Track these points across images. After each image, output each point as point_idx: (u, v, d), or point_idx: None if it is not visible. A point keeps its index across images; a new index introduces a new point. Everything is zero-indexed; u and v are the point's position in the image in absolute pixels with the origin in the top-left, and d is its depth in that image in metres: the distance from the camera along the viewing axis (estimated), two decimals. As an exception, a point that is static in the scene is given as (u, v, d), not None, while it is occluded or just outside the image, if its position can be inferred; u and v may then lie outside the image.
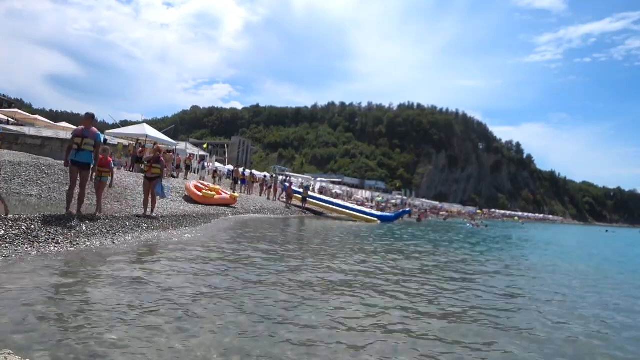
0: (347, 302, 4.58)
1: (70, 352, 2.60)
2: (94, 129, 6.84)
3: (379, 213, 27.56)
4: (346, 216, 23.27)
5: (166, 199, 11.95)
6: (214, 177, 23.18)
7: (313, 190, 33.12)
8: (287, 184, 24.48)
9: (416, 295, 5.30)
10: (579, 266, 10.66)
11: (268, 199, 23.35)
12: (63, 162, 6.81)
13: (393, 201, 54.52)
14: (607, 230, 60.64)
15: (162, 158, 9.37)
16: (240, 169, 26.70)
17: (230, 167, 34.47)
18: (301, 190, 24.58)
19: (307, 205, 23.34)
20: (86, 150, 6.68)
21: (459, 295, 5.50)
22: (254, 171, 34.55)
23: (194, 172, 25.01)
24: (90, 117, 6.86)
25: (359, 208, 27.01)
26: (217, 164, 37.25)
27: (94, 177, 7.20)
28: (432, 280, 6.42)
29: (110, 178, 7.85)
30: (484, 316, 4.57)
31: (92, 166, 6.80)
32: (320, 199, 25.48)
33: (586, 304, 5.81)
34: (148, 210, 9.09)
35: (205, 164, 25.56)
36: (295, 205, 23.11)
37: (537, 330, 4.22)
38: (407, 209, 41.74)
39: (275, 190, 25.16)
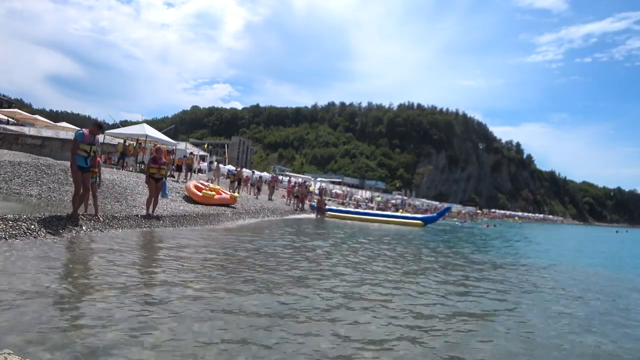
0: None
1: (70, 352, 2.60)
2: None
3: (421, 215, 27.65)
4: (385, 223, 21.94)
5: (166, 198, 11.96)
6: (216, 177, 22.37)
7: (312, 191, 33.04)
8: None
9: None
10: None
11: (270, 199, 22.85)
12: (70, 164, 6.73)
13: (393, 201, 54.54)
14: (617, 231, 60.01)
15: (163, 158, 9.39)
16: (245, 170, 26.43)
17: (231, 167, 34.40)
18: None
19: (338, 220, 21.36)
20: (93, 157, 6.82)
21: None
22: (252, 172, 34.53)
23: (198, 173, 24.71)
24: (99, 127, 6.99)
25: (399, 214, 26.98)
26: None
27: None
28: None
29: (98, 178, 7.92)
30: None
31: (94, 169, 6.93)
32: (356, 212, 24.90)
33: None
34: (150, 209, 9.12)
35: (212, 165, 24.72)
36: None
37: None
38: (448, 206, 41.52)
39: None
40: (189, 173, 20.47)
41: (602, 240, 29.58)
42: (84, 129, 6.80)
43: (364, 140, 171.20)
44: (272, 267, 6.05)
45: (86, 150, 6.59)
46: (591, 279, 8.50)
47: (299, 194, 23.32)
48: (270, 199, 22.82)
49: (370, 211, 28.27)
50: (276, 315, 3.80)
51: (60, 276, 4.24)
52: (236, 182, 21.14)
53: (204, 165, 31.65)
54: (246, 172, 29.37)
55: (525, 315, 4.77)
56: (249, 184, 23.98)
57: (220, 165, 29.51)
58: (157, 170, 9.06)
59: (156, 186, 9.06)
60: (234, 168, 28.51)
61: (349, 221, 20.78)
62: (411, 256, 9.22)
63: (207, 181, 18.70)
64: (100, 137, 25.09)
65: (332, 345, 3.24)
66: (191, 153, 28.94)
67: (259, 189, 23.13)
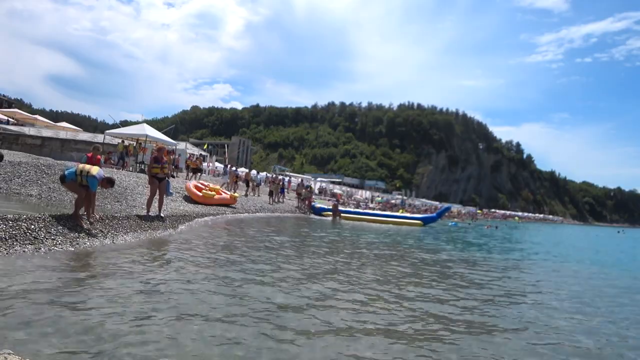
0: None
1: (70, 352, 2.60)
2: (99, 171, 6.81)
3: (420, 215, 27.62)
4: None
5: (170, 196, 11.97)
6: (231, 183, 20.54)
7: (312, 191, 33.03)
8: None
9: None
10: None
11: (280, 201, 22.44)
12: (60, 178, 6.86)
13: (393, 201, 54.54)
14: (619, 232, 60.32)
15: (165, 158, 9.34)
16: (253, 172, 26.13)
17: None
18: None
19: (343, 220, 21.73)
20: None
21: None
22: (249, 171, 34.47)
23: (210, 175, 24.32)
24: (109, 183, 6.97)
25: (399, 214, 27.28)
26: (217, 164, 37.27)
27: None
28: None
29: None
30: None
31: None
32: (357, 212, 25.04)
33: None
34: (154, 210, 9.08)
35: (227, 168, 23.89)
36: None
37: None
38: (447, 206, 41.29)
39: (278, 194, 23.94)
40: (197, 174, 20.61)
41: (604, 241, 29.57)
42: (99, 177, 6.66)
43: (364, 140, 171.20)
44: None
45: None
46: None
47: (305, 196, 23.21)
48: (280, 201, 22.71)
49: (371, 211, 28.36)
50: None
51: (60, 276, 4.23)
52: (242, 183, 21.06)
53: (204, 165, 31.68)
54: (252, 173, 29.32)
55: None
56: (254, 185, 23.86)
57: (219, 165, 29.21)
58: (160, 169, 9.03)
59: (160, 186, 9.04)
60: (234, 168, 28.54)
61: (351, 221, 20.86)
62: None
63: (221, 186, 18.54)
64: (100, 137, 25.21)
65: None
66: (200, 154, 29.06)
67: (271, 193, 22.13)
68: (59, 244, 5.64)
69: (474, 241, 17.03)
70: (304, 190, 23.99)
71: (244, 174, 26.06)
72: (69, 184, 6.66)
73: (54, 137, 25.98)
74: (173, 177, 19.30)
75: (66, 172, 6.70)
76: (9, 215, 5.60)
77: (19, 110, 34.94)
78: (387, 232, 16.47)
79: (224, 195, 15.64)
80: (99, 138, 25.83)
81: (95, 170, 6.64)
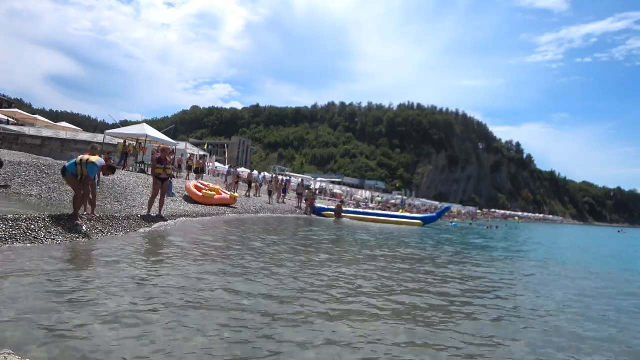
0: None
1: (70, 352, 2.60)
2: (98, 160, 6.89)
3: (420, 215, 27.70)
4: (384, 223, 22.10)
5: (172, 197, 12.00)
6: (233, 184, 20.54)
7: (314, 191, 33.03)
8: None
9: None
10: None
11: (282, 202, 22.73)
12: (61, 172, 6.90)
13: (393, 201, 54.55)
14: (619, 231, 60.53)
15: (168, 159, 9.36)
16: (255, 172, 26.13)
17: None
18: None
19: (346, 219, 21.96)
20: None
21: None
22: (248, 170, 34.48)
23: (210, 175, 24.34)
24: (110, 170, 7.13)
25: (400, 214, 27.33)
26: (217, 164, 37.27)
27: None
28: None
29: (97, 177, 7.94)
30: None
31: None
32: (357, 212, 25.11)
33: None
34: (154, 210, 9.07)
35: (232, 169, 23.82)
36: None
37: None
38: (447, 206, 41.07)
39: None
40: (201, 174, 20.64)
41: (605, 241, 29.59)
42: (99, 164, 6.72)
43: (364, 140, 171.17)
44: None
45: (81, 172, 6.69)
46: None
47: (308, 197, 23.18)
48: (281, 201, 22.80)
49: (371, 211, 28.39)
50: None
51: (59, 276, 4.23)
52: (243, 183, 21.09)
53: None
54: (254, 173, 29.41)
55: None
56: (257, 185, 23.96)
57: (219, 165, 29.09)
58: (163, 170, 9.04)
59: (162, 186, 9.05)
60: (249, 171, 28.58)
61: (351, 221, 20.88)
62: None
63: (226, 187, 18.53)
64: (100, 137, 25.21)
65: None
66: (204, 155, 29.13)
67: (270, 192, 22.46)
68: (59, 243, 5.64)
69: (473, 241, 17.05)
70: (306, 191, 24.00)
71: (245, 174, 26.09)
72: (69, 177, 6.69)
73: (54, 137, 25.98)
74: (174, 177, 19.32)
75: (67, 164, 6.76)
76: (9, 215, 5.61)
77: (19, 110, 34.94)
78: (386, 231, 16.49)
79: (224, 195, 15.64)
80: (99, 138, 25.84)
81: (95, 158, 6.72)
